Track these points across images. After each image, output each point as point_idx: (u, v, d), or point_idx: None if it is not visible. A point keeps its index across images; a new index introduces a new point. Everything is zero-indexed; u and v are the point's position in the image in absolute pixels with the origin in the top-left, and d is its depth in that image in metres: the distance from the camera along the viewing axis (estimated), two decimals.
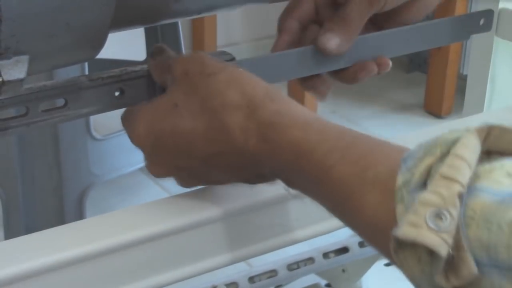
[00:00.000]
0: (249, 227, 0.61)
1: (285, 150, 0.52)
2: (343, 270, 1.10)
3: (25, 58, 0.49)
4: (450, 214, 0.41)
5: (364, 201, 0.47)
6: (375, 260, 1.10)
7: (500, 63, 1.06)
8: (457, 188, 0.42)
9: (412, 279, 0.44)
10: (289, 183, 0.54)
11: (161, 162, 0.57)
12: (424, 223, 0.42)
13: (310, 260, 1.01)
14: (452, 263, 0.41)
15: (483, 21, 0.77)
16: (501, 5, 0.94)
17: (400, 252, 0.43)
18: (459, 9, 1.95)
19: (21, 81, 0.50)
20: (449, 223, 0.41)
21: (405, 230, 0.42)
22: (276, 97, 0.54)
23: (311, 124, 0.52)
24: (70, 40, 0.51)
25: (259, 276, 0.99)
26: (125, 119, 0.60)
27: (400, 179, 0.45)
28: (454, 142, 0.44)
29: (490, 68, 1.06)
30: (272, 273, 1.00)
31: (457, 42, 1.88)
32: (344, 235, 0.98)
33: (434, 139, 0.45)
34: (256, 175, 0.56)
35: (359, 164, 0.48)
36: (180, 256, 0.58)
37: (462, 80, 1.82)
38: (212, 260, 0.60)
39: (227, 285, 0.98)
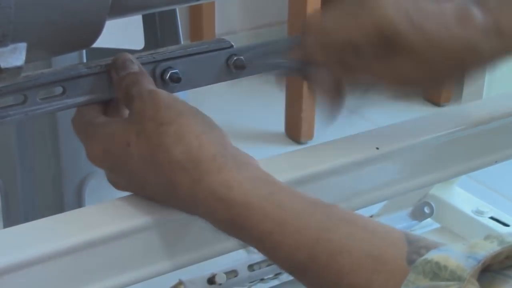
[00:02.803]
0: None
1: (241, 232, 0.53)
2: None
3: (22, 46, 0.49)
4: None
5: None
6: None
7: None
8: None
9: None
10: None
11: (119, 181, 0.59)
12: None
13: None
14: None
15: None
16: None
17: None
18: None
19: (19, 68, 0.50)
20: None
21: None
22: (225, 164, 0.54)
23: (268, 204, 0.52)
24: (68, 27, 0.51)
25: (259, 264, 1.00)
26: (80, 130, 0.60)
27: None
28: None
29: None
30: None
31: None
32: None
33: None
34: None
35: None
36: (180, 243, 0.58)
37: None
38: (212, 247, 0.60)
39: (226, 273, 0.98)
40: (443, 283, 0.44)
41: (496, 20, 0.56)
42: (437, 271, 0.45)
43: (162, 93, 0.57)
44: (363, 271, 0.48)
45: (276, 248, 0.52)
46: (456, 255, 0.45)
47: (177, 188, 0.54)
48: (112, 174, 0.59)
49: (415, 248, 0.48)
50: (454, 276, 0.44)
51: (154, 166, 0.54)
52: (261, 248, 0.53)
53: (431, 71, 0.59)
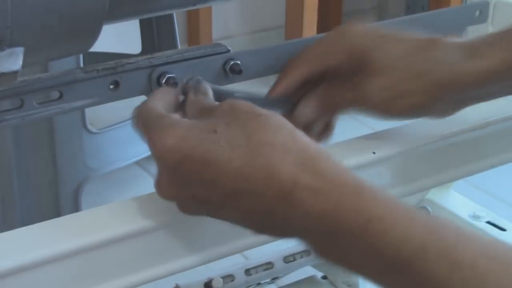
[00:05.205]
0: None
1: (345, 217, 0.47)
2: None
3: (19, 50, 0.49)
4: None
5: None
6: None
7: None
8: None
9: None
10: (324, 251, 0.50)
11: (178, 183, 0.52)
12: None
13: (307, 252, 1.01)
14: None
15: (479, 12, 0.77)
16: None
17: None
18: (454, 0, 1.95)
19: (15, 73, 0.50)
20: None
21: None
22: (330, 156, 0.51)
23: (385, 201, 0.48)
24: (64, 31, 0.51)
25: (256, 268, 0.99)
26: (147, 121, 0.54)
27: None
28: None
29: None
30: (269, 265, 1.00)
31: (453, 34, 1.88)
32: None
33: None
34: (278, 226, 0.51)
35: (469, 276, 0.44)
36: (177, 248, 0.58)
37: None
38: (209, 252, 0.60)
39: (223, 277, 0.98)
40: None
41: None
42: None
43: None
44: (477, 267, 0.44)
45: (382, 237, 0.46)
46: None
47: (275, 169, 0.49)
48: (177, 170, 0.51)
49: None
50: None
51: (247, 149, 0.50)
52: (359, 241, 0.47)
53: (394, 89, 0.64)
